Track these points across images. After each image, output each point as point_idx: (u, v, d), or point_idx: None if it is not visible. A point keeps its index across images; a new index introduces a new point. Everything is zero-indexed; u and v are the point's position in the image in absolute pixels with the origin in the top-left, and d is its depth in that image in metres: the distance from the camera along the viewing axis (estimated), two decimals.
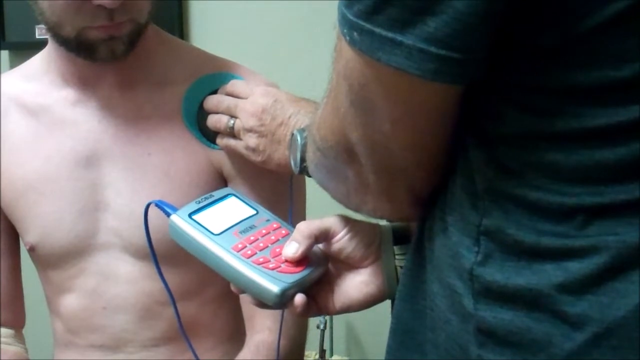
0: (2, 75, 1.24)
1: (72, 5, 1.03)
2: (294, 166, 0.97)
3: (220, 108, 1.12)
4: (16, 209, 1.18)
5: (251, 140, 1.06)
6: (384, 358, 0.78)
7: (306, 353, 1.85)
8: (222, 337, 1.23)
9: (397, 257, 0.86)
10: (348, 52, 0.64)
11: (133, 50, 1.10)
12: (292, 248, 0.85)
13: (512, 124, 0.63)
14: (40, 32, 2.20)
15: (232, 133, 1.10)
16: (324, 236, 0.87)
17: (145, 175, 1.14)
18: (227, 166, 1.15)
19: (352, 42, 0.63)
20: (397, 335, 0.76)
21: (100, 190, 1.15)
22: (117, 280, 1.17)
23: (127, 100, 1.15)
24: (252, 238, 0.88)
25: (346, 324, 2.27)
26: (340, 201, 0.82)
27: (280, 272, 0.84)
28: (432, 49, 0.59)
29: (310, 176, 0.90)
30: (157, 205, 0.93)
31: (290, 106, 1.04)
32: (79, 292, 1.18)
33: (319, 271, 0.87)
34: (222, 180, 1.17)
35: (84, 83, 1.15)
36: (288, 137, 1.01)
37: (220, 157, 1.15)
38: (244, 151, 1.08)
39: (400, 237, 0.87)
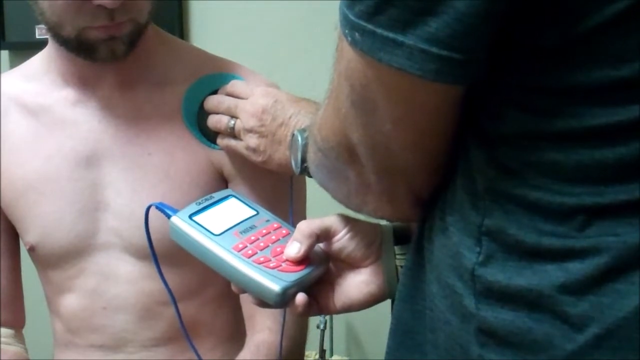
0: (2, 75, 1.24)
1: (72, 5, 1.03)
2: (295, 167, 0.97)
3: (221, 108, 1.12)
4: (16, 209, 1.18)
5: (252, 140, 1.06)
6: (383, 358, 0.78)
7: (306, 353, 1.85)
8: (222, 337, 1.22)
9: (397, 256, 0.86)
10: (349, 52, 0.64)
11: (133, 50, 1.10)
12: (294, 248, 0.85)
13: (513, 124, 0.63)
14: (40, 32, 2.20)
15: (232, 133, 1.10)
16: (325, 235, 0.87)
17: (146, 175, 1.14)
18: (228, 166, 1.15)
19: (353, 43, 0.63)
20: (396, 336, 0.76)
21: (101, 190, 1.15)
22: (117, 280, 1.17)
23: (127, 100, 1.15)
24: (252, 238, 0.88)
25: (346, 324, 2.27)
26: (341, 202, 0.83)
27: (281, 271, 0.84)
28: (434, 50, 0.59)
29: (311, 177, 0.90)
30: (157, 207, 0.93)
31: (291, 106, 1.04)
32: (79, 292, 1.18)
33: (320, 270, 0.87)
34: (222, 181, 1.17)
35: (84, 83, 1.15)
36: (289, 138, 1.01)
37: (220, 158, 1.15)
38: (244, 151, 1.08)
39: (400, 236, 0.87)
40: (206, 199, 0.92)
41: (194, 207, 0.91)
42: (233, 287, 0.89)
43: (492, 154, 0.65)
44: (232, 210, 0.92)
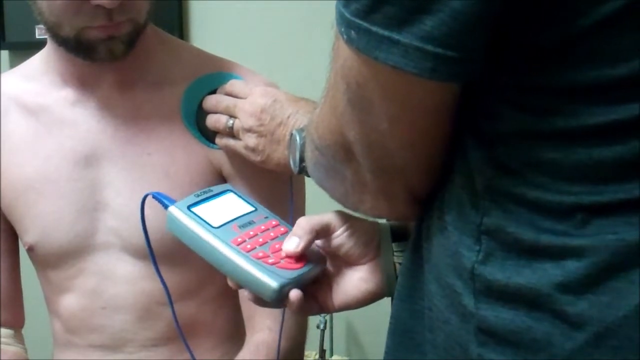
0: (2, 75, 1.24)
1: (71, 5, 1.03)
2: (293, 166, 0.97)
3: (219, 108, 1.12)
4: (15, 209, 1.18)
5: (250, 140, 1.06)
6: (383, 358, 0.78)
7: (306, 353, 1.85)
8: (222, 337, 1.22)
9: (395, 254, 0.86)
10: (345, 51, 0.64)
11: (132, 50, 1.10)
12: (293, 243, 0.85)
13: (510, 123, 0.63)
14: (40, 32, 2.20)
15: (231, 133, 1.10)
16: (325, 231, 0.87)
17: (145, 175, 1.14)
18: (227, 166, 1.15)
19: (349, 41, 0.63)
20: (395, 336, 0.76)
21: (100, 190, 1.15)
22: (117, 280, 1.16)
23: (126, 100, 1.15)
24: (251, 233, 0.88)
25: (346, 324, 2.27)
26: (338, 200, 0.83)
27: (280, 267, 0.84)
28: (429, 48, 0.59)
29: (309, 176, 0.90)
30: (154, 196, 0.91)
31: (290, 106, 1.04)
32: (79, 292, 1.18)
33: (318, 269, 0.87)
34: (221, 180, 1.16)
35: (83, 83, 1.15)
36: (287, 137, 1.01)
37: (219, 157, 1.15)
38: (243, 151, 1.08)
39: (398, 234, 0.87)
40: (204, 192, 0.91)
41: (192, 199, 0.89)
42: (229, 282, 0.88)
43: (491, 153, 0.65)
44: (231, 204, 0.91)
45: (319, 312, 0.90)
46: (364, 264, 0.87)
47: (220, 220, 0.87)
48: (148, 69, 1.16)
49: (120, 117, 1.15)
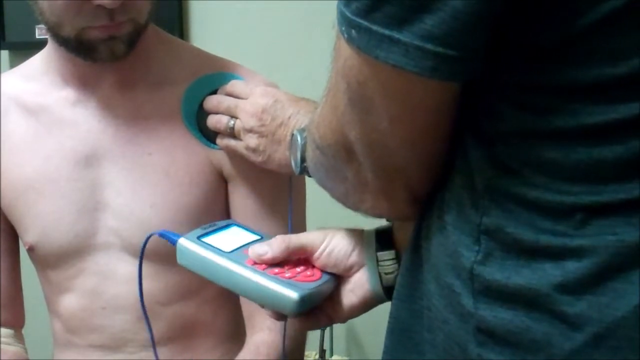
0: (2, 75, 1.24)
1: (72, 5, 1.03)
2: (295, 166, 0.97)
3: (220, 108, 1.12)
4: (16, 209, 1.18)
5: (251, 140, 1.06)
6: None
7: (306, 353, 1.85)
8: (222, 337, 1.22)
9: (380, 263, 0.86)
10: (346, 50, 0.64)
11: (133, 50, 1.10)
12: (262, 249, 0.86)
13: (510, 122, 0.63)
14: (40, 32, 2.20)
15: (232, 133, 1.10)
16: (302, 252, 0.88)
17: (145, 175, 1.14)
18: (227, 166, 1.15)
19: (350, 40, 0.63)
20: (394, 335, 0.76)
21: (100, 190, 1.15)
22: (117, 280, 1.16)
23: (127, 100, 1.15)
24: None
25: (346, 324, 2.27)
26: (339, 200, 0.83)
27: (297, 280, 0.84)
28: (430, 47, 0.59)
29: (310, 176, 0.90)
30: (161, 235, 0.92)
31: (290, 106, 1.04)
32: (79, 292, 1.18)
33: (334, 281, 0.88)
34: (222, 180, 1.17)
35: (84, 83, 1.15)
36: (288, 138, 1.01)
37: (220, 157, 1.15)
38: (244, 151, 1.08)
39: (383, 240, 0.87)
40: (209, 226, 0.92)
41: (198, 232, 0.90)
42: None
43: (491, 153, 0.65)
44: (237, 234, 0.92)
45: (328, 324, 0.91)
46: (351, 275, 0.88)
47: (231, 246, 0.88)
48: (149, 69, 1.16)
49: (120, 117, 1.15)
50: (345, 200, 0.82)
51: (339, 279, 0.89)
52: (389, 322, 0.77)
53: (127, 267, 1.16)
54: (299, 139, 0.95)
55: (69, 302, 1.19)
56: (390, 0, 0.60)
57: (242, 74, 1.18)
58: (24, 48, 2.15)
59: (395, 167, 0.72)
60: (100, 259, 1.16)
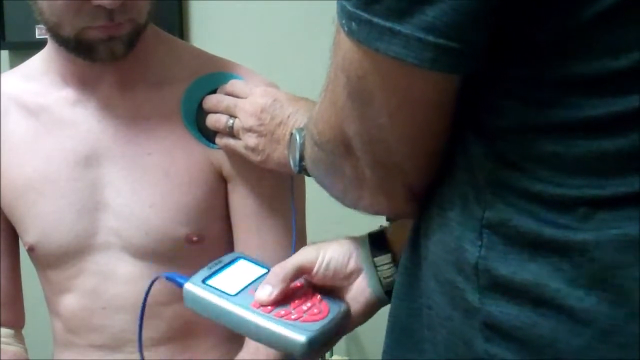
0: (2, 75, 1.24)
1: (71, 5, 1.03)
2: (293, 165, 0.97)
3: (220, 108, 1.12)
4: (16, 209, 1.18)
5: (250, 139, 1.06)
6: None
7: None
8: (222, 337, 1.22)
9: (378, 268, 0.86)
10: (346, 43, 0.64)
11: (132, 50, 1.10)
12: (266, 292, 0.86)
13: (512, 116, 0.63)
14: (40, 32, 2.20)
15: (231, 133, 1.10)
16: (299, 274, 0.88)
17: (145, 175, 1.14)
18: (227, 166, 1.15)
19: (350, 33, 0.63)
20: (394, 334, 0.76)
21: (100, 190, 1.15)
22: (117, 280, 1.16)
23: (126, 100, 1.15)
24: None
25: None
26: (337, 198, 0.83)
27: (303, 321, 0.84)
28: (430, 38, 0.59)
29: (309, 175, 0.90)
30: (167, 278, 0.93)
31: (289, 106, 1.04)
32: (79, 292, 1.18)
33: (342, 313, 0.87)
34: (221, 180, 1.17)
35: (84, 83, 1.15)
36: (287, 137, 1.01)
37: (219, 157, 1.15)
38: (243, 151, 1.08)
39: (378, 242, 0.87)
40: (215, 264, 0.92)
41: (205, 272, 0.90)
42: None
43: (492, 147, 0.65)
44: (243, 270, 0.92)
45: (336, 342, 0.91)
46: (352, 283, 0.88)
47: (236, 288, 0.88)
48: (148, 69, 1.16)
49: (120, 117, 1.15)
50: (344, 197, 0.81)
51: (339, 292, 0.89)
52: (388, 321, 0.77)
53: (127, 267, 1.16)
54: (297, 138, 0.95)
55: (69, 302, 1.19)
56: None
57: (241, 73, 1.18)
58: (24, 48, 2.15)
59: (393, 163, 0.72)
60: (100, 259, 1.16)
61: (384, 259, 0.86)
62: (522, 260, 0.63)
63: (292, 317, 0.84)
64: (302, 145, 0.93)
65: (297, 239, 1.13)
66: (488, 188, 0.65)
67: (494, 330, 0.64)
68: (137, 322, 1.00)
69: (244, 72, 1.18)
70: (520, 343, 0.63)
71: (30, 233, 1.17)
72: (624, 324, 0.59)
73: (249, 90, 1.09)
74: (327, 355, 2.10)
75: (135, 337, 1.18)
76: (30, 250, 1.19)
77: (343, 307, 0.88)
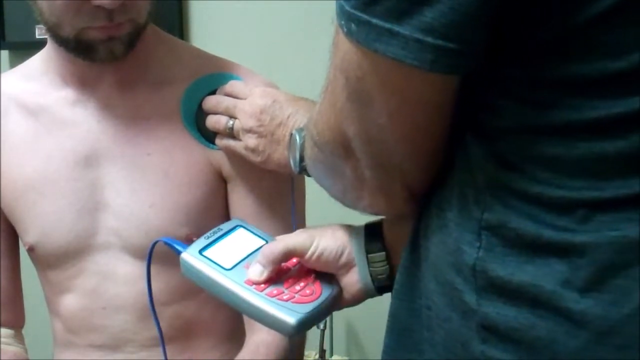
0: (2, 75, 1.24)
1: (71, 5, 1.03)
2: (294, 166, 0.98)
3: (219, 109, 1.12)
4: (16, 209, 1.18)
5: (250, 140, 1.06)
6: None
7: (306, 353, 1.85)
8: (222, 337, 1.22)
9: (371, 265, 0.87)
10: (345, 44, 0.64)
11: (132, 50, 1.10)
12: (257, 271, 0.86)
13: (512, 117, 0.63)
14: (40, 32, 2.20)
15: (231, 134, 1.10)
16: (290, 257, 0.88)
17: (145, 176, 1.14)
18: (226, 166, 1.15)
19: (349, 34, 0.63)
20: (393, 334, 0.76)
21: (100, 190, 1.15)
22: (117, 280, 1.17)
23: (126, 101, 1.15)
24: None
25: (346, 324, 2.27)
26: (336, 198, 0.83)
27: (295, 302, 0.85)
28: (429, 39, 0.59)
29: (309, 176, 0.90)
30: (165, 242, 0.93)
31: (289, 106, 1.04)
32: (79, 292, 1.18)
33: (334, 295, 0.88)
34: (221, 181, 1.17)
35: (83, 83, 1.15)
36: (287, 137, 1.01)
37: (219, 157, 1.15)
38: (243, 152, 1.08)
39: (374, 241, 0.87)
40: (214, 232, 0.92)
41: (202, 242, 0.91)
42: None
43: (492, 149, 0.65)
44: (241, 241, 0.92)
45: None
46: (343, 275, 0.88)
47: (232, 261, 0.88)
48: (148, 69, 1.16)
49: (120, 118, 1.15)
50: (343, 197, 0.82)
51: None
52: (388, 322, 0.77)
53: (127, 267, 1.16)
54: (297, 138, 0.95)
55: (69, 302, 1.19)
56: None
57: (241, 74, 1.18)
58: (24, 48, 2.15)
59: (393, 164, 0.72)
60: (100, 259, 1.16)
61: (377, 257, 0.86)
62: (520, 261, 0.63)
63: (284, 297, 0.85)
64: (302, 145, 0.93)
65: None
66: (487, 189, 0.65)
67: (491, 331, 0.64)
68: (150, 308, 1.01)
69: (244, 73, 1.18)
70: (517, 344, 0.63)
71: (30, 233, 1.17)
72: (622, 325, 0.59)
73: (249, 91, 1.09)
74: (327, 355, 2.10)
75: (135, 337, 1.18)
76: (30, 250, 1.19)
77: (335, 290, 0.88)
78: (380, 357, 0.78)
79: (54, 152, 1.16)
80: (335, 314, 1.06)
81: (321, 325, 2.05)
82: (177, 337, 1.18)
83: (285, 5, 2.20)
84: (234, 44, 2.16)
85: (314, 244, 0.87)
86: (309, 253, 0.87)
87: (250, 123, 1.05)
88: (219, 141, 1.13)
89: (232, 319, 1.22)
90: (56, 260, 1.17)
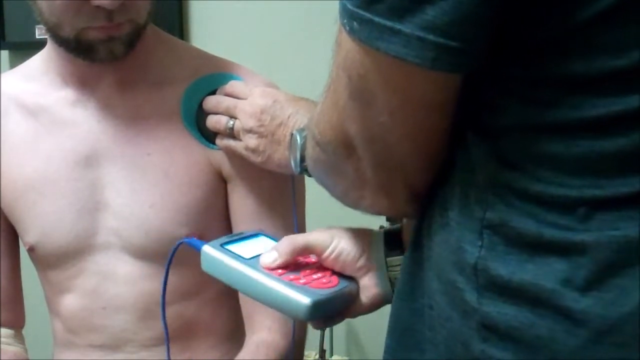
0: (2, 75, 1.24)
1: (71, 5, 1.03)
2: (294, 166, 0.98)
3: (220, 109, 1.12)
4: (16, 209, 1.18)
5: (251, 141, 1.06)
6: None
7: (306, 353, 1.85)
8: (222, 337, 1.23)
9: (390, 268, 0.87)
10: (348, 42, 0.64)
11: (132, 50, 1.10)
12: (271, 257, 0.87)
13: (513, 116, 0.63)
14: (40, 32, 2.20)
15: (231, 134, 1.10)
16: (307, 252, 0.88)
17: (145, 176, 1.14)
18: (227, 166, 1.15)
19: (351, 32, 0.63)
20: (395, 334, 0.76)
21: (100, 190, 1.15)
22: (117, 280, 1.17)
23: (126, 101, 1.15)
24: None
25: (346, 324, 2.27)
26: (338, 198, 0.83)
27: (312, 287, 0.85)
28: (431, 37, 0.59)
29: (310, 176, 0.90)
30: (187, 243, 0.94)
31: (290, 106, 1.04)
32: (79, 292, 1.18)
33: (351, 287, 0.88)
34: (221, 181, 1.17)
35: (83, 83, 1.15)
36: (287, 138, 1.01)
37: (219, 157, 1.15)
38: (243, 152, 1.08)
39: (393, 241, 0.87)
40: (236, 234, 0.94)
41: (224, 239, 0.92)
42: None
43: (493, 148, 0.65)
44: (262, 243, 0.93)
45: (340, 321, 0.91)
46: (360, 278, 0.88)
47: (251, 253, 0.89)
48: (148, 69, 1.16)
49: (120, 118, 1.15)
50: (345, 197, 0.81)
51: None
52: (389, 321, 0.77)
53: (127, 267, 1.16)
54: (298, 138, 0.95)
55: (69, 302, 1.19)
56: None
57: (241, 74, 1.18)
58: (24, 48, 2.15)
59: (395, 163, 0.72)
60: (100, 259, 1.16)
61: (396, 260, 0.86)
62: (520, 260, 0.63)
63: (301, 281, 0.85)
64: (303, 145, 0.93)
65: None
66: (489, 188, 0.65)
67: (491, 330, 0.64)
68: (160, 300, 1.02)
69: (244, 73, 1.18)
70: (517, 343, 0.63)
71: (30, 233, 1.18)
72: (622, 324, 0.59)
73: (249, 91, 1.09)
74: (327, 355, 2.10)
75: (135, 337, 1.18)
76: (30, 250, 1.19)
77: (354, 285, 0.88)
78: (380, 357, 0.78)
79: (54, 152, 1.16)
80: None
81: None
82: (177, 337, 1.18)
83: (285, 5, 2.20)
84: (234, 44, 2.16)
85: (333, 244, 0.87)
86: (328, 252, 0.87)
87: (251, 123, 1.05)
88: (219, 141, 1.13)
89: (232, 319, 1.22)
90: (56, 260, 1.17)
